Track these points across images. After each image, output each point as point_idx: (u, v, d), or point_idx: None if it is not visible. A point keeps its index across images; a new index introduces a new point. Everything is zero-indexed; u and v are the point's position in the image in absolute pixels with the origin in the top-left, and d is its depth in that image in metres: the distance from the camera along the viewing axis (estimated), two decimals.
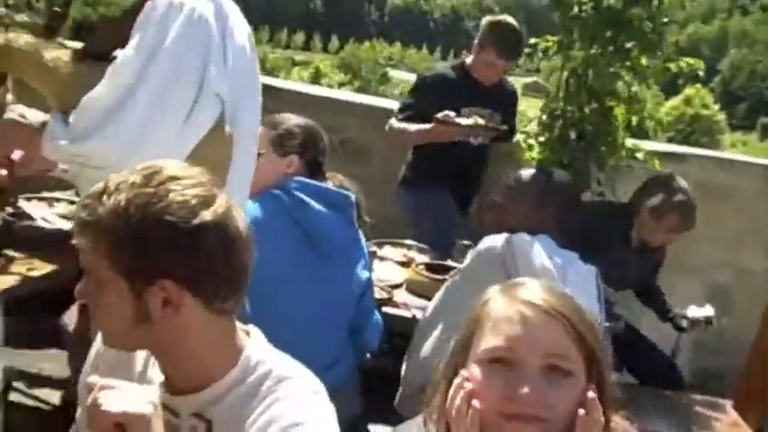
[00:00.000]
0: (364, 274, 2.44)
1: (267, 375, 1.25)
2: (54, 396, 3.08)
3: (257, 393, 1.23)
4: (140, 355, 1.36)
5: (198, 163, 1.41)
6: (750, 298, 4.15)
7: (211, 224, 1.20)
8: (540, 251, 2.31)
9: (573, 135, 3.50)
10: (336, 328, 2.37)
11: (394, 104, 4.19)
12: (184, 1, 1.77)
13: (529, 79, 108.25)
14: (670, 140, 47.43)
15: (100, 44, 1.90)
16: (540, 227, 2.39)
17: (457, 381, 1.19)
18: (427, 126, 3.66)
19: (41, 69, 1.87)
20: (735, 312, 4.30)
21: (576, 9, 3.45)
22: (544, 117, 3.63)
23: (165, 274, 1.18)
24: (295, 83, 9.59)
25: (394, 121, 3.83)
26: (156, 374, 1.31)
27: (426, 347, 2.43)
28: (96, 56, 1.88)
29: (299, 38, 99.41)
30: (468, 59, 3.91)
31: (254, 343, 1.30)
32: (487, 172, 3.95)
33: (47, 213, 2.93)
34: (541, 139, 3.58)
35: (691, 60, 3.48)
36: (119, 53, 1.76)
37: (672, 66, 3.43)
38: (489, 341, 1.20)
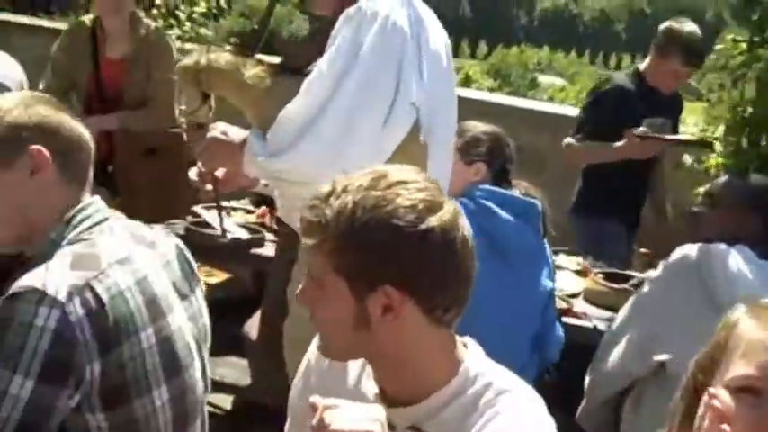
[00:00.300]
0: (548, 284, 2.40)
1: (487, 387, 1.22)
2: (227, 401, 3.20)
3: (477, 406, 1.20)
4: (353, 367, 1.35)
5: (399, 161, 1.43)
6: None
7: (438, 230, 1.18)
8: (738, 260, 2.22)
9: (764, 139, 3.32)
10: (522, 339, 2.34)
11: (567, 111, 4.10)
12: (378, 10, 1.75)
13: None
14: None
15: (296, 59, 1.93)
16: (740, 236, 2.29)
17: (706, 400, 1.12)
18: (620, 144, 3.45)
19: (241, 87, 1.90)
20: None
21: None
22: (729, 121, 3.47)
23: (389, 279, 1.17)
24: (472, 91, 9.43)
25: (572, 140, 3.65)
26: (369, 387, 1.30)
27: (613, 359, 2.38)
28: (293, 71, 1.90)
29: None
30: (642, 66, 3.75)
31: (472, 354, 1.28)
32: (660, 186, 3.77)
33: (227, 223, 3.02)
34: (728, 145, 3.43)
35: None
36: (319, 69, 1.77)
37: None
38: (739, 368, 1.11)
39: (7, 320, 1.33)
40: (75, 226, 1.47)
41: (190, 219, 3.07)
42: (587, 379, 2.46)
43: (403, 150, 1.82)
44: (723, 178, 2.52)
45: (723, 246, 2.25)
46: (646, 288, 2.43)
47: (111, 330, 1.38)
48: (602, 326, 2.68)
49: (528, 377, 2.34)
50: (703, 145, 3.56)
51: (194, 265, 1.68)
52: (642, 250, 3.18)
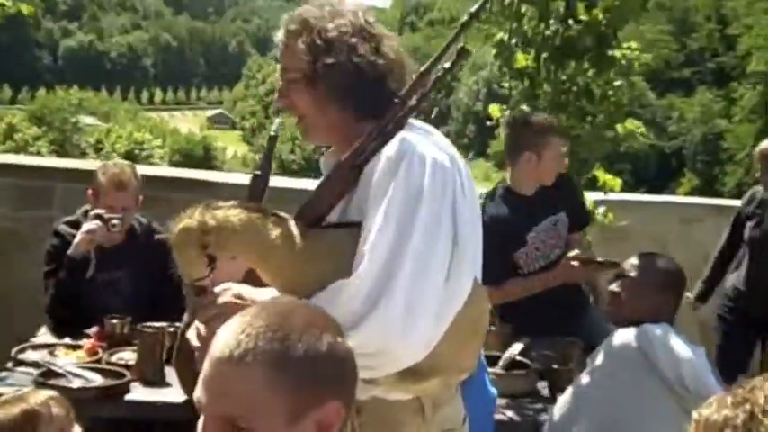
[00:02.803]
0: (494, 390, 2.40)
1: None
2: None
3: None
4: None
5: (459, 323, 1.60)
6: None
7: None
8: (674, 339, 2.38)
9: None
10: None
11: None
12: (424, 153, 1.64)
13: (213, 111, 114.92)
14: None
15: (313, 210, 1.73)
16: (659, 316, 2.47)
17: None
18: (545, 275, 3.32)
19: (265, 251, 1.65)
20: None
21: None
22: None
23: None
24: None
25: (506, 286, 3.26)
26: None
27: None
28: (311, 223, 1.71)
29: None
30: (508, 174, 3.46)
31: None
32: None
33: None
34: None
35: None
36: (367, 226, 1.62)
37: None
38: None
39: None
40: None
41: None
42: None
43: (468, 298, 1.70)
44: (634, 259, 2.61)
45: (657, 328, 2.40)
46: (588, 378, 2.53)
47: None
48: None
49: None
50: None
51: None
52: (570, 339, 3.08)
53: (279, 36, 1.84)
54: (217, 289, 1.75)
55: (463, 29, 1.81)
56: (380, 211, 1.61)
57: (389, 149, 1.66)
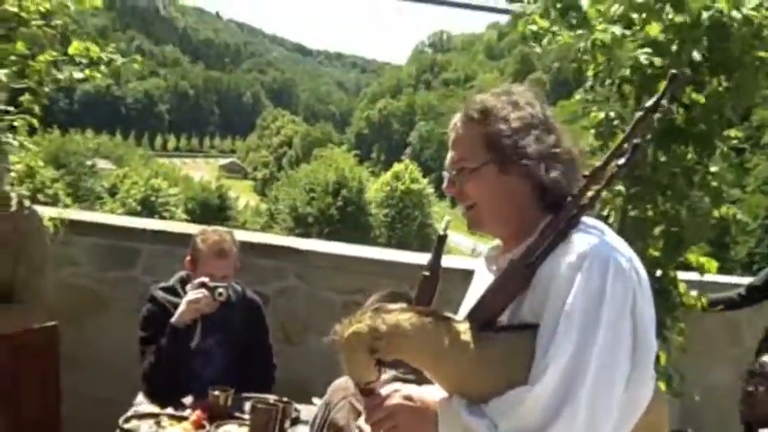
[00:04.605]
0: None
1: None
2: None
3: None
4: None
5: (642, 429, 1.55)
6: None
7: None
8: None
9: None
10: None
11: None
12: (606, 255, 1.59)
13: (225, 160, 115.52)
14: (385, 216, 50.18)
15: (485, 312, 1.66)
16: None
17: None
18: None
19: (438, 357, 1.60)
20: None
21: None
22: None
23: None
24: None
25: None
26: None
27: None
28: (483, 325, 1.64)
29: None
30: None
31: None
32: None
33: None
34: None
35: None
36: (547, 332, 1.57)
37: None
38: None
39: None
40: None
41: None
42: None
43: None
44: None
45: None
46: None
47: None
48: None
49: None
50: None
51: None
52: None
53: (456, 122, 1.81)
54: (384, 390, 1.72)
55: (638, 123, 1.75)
56: (561, 317, 1.56)
57: (567, 250, 1.61)
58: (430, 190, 52.33)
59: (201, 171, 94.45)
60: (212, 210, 52.37)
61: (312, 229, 43.07)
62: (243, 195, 79.33)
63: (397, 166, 53.31)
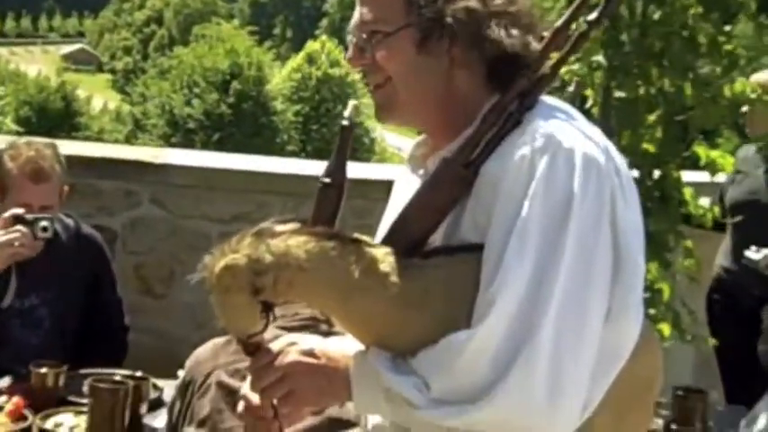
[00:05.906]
0: None
1: None
2: None
3: None
4: None
5: (622, 385, 1.55)
6: None
7: None
8: None
9: None
10: None
11: None
12: (571, 146, 1.54)
13: (70, 47, 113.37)
14: (296, 114, 46.73)
15: (410, 231, 1.63)
16: None
17: None
18: None
19: (347, 295, 1.57)
20: None
21: None
22: None
23: None
24: None
25: None
26: None
27: None
28: (409, 249, 1.60)
29: None
30: None
31: None
32: None
33: None
34: None
35: None
36: (493, 253, 1.54)
37: None
38: None
39: None
40: None
41: None
42: None
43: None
44: None
45: None
46: None
47: None
48: None
49: None
50: None
51: None
52: None
53: None
54: (276, 345, 1.71)
55: None
56: (513, 232, 1.53)
57: (521, 142, 1.58)
58: (356, 76, 51.26)
59: (38, 63, 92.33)
60: (54, 116, 51.63)
61: (195, 137, 42.64)
62: (97, 94, 78.03)
63: (309, 46, 53.03)
